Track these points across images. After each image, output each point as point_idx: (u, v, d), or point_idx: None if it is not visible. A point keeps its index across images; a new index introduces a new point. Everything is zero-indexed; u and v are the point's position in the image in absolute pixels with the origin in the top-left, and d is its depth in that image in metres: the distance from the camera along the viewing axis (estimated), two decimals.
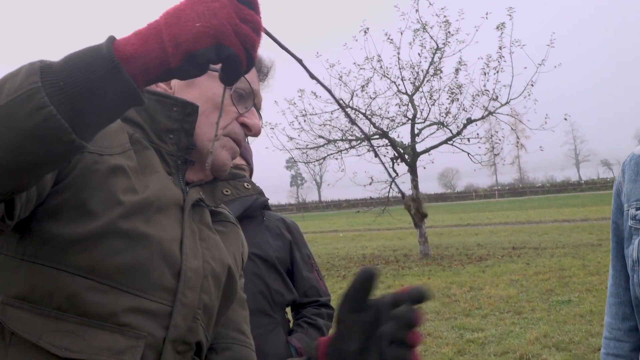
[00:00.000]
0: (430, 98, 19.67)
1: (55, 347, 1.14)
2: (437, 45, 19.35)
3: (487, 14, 18.55)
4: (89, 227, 1.19)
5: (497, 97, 19.04)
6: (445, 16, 19.13)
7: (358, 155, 20.68)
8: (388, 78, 19.74)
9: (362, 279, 1.13)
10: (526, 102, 19.18)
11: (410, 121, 19.71)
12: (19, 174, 0.99)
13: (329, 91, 1.24)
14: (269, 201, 3.47)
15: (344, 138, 20.28)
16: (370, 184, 20.01)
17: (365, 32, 19.54)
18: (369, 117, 19.61)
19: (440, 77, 19.66)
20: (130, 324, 1.21)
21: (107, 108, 0.99)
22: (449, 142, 19.66)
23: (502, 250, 18.59)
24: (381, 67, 19.67)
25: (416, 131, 19.76)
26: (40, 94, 0.94)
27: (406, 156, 19.33)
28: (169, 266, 1.29)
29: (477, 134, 19.72)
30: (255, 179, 3.38)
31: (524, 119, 19.54)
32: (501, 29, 18.74)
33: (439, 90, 19.67)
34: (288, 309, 3.37)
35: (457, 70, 19.51)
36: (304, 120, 20.46)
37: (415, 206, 1.24)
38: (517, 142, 21.39)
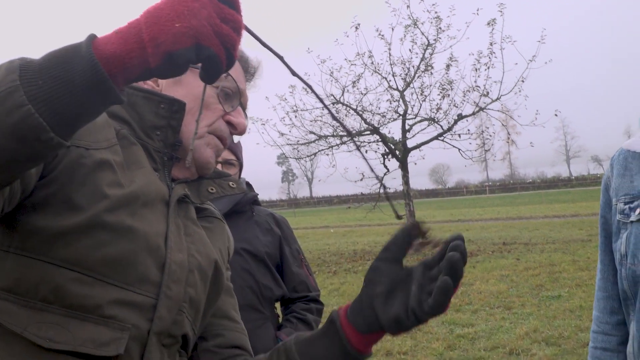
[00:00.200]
0: (421, 94, 19.70)
1: (39, 338, 1.15)
2: (428, 41, 19.38)
3: (478, 10, 18.57)
4: (75, 220, 1.20)
5: (487, 93, 19.09)
6: (436, 12, 19.17)
7: (349, 151, 20.72)
8: (379, 74, 19.77)
9: (403, 232, 1.25)
10: (517, 98, 19.25)
11: (401, 117, 19.73)
12: None
13: (310, 87, 1.25)
14: (259, 197, 3.47)
15: (335, 134, 20.27)
16: (362, 179, 20.01)
17: (356, 27, 19.55)
18: (360, 113, 19.62)
19: (431, 73, 19.70)
20: (115, 316, 1.22)
21: (85, 107, 0.99)
22: (439, 138, 19.69)
23: (492, 245, 18.63)
24: (372, 63, 19.70)
25: (407, 127, 19.79)
26: (18, 92, 0.94)
27: (397, 152, 19.35)
28: (154, 259, 1.30)
29: (468, 130, 19.77)
30: (246, 174, 3.38)
31: (514, 115, 19.64)
32: (492, 25, 18.78)
33: (430, 86, 19.71)
34: (277, 304, 3.37)
35: (448, 66, 19.54)
36: (295, 116, 20.47)
37: (421, 233, 1.23)
38: (508, 138, 21.42)
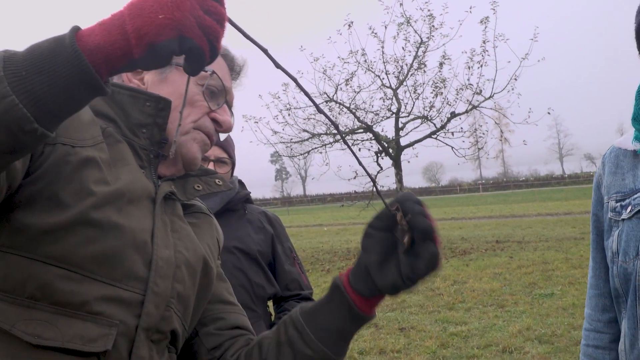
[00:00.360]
0: (414, 92, 19.73)
1: (27, 335, 1.16)
2: (421, 39, 19.41)
3: (471, 8, 18.60)
4: (61, 217, 1.20)
5: (480, 91, 19.12)
6: (429, 10, 19.21)
7: (342, 149, 20.71)
8: (372, 72, 19.79)
9: (397, 199, 1.29)
10: (510, 96, 19.34)
11: (394, 115, 19.75)
12: None
13: (295, 80, 1.26)
14: (253, 195, 3.47)
15: (328, 132, 20.27)
16: (355, 177, 20.01)
17: (349, 25, 19.55)
18: (354, 111, 19.63)
19: (424, 71, 19.72)
20: (103, 312, 1.22)
21: (69, 98, 0.99)
22: (433, 136, 19.72)
23: (485, 244, 18.66)
24: (365, 61, 19.71)
25: (400, 125, 19.81)
26: (2, 83, 0.94)
27: (390, 150, 19.36)
28: (141, 256, 1.31)
29: (461, 128, 19.79)
30: (239, 172, 3.38)
31: (507, 113, 19.65)
32: (485, 23, 18.82)
33: (423, 84, 19.74)
34: (270, 303, 3.37)
35: (441, 64, 19.57)
36: (288, 114, 20.48)
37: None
38: (501, 136, 21.45)
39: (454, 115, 19.37)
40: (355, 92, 19.83)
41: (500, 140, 21.66)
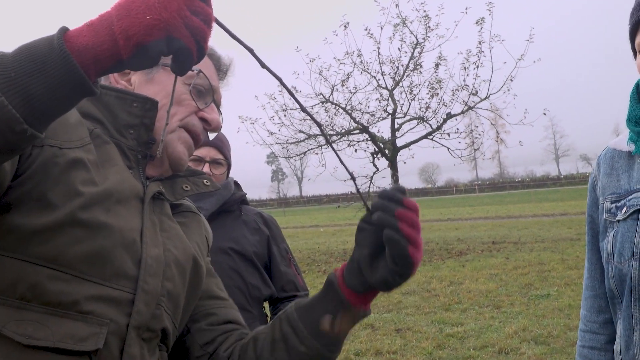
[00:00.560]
0: (410, 93, 19.72)
1: (18, 335, 1.16)
2: (417, 40, 19.40)
3: (466, 9, 18.61)
4: (50, 218, 1.21)
5: (476, 92, 19.13)
6: (425, 11, 19.20)
7: (338, 150, 20.69)
8: (368, 73, 19.78)
9: (388, 193, 1.27)
10: (506, 97, 19.28)
11: (390, 116, 19.74)
12: None
13: (280, 80, 1.28)
14: (249, 196, 3.46)
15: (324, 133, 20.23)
16: (354, 179, 19.93)
17: (345, 26, 19.54)
18: (350, 111, 19.63)
19: (420, 72, 19.72)
20: (93, 311, 1.23)
21: (59, 99, 1.00)
22: (429, 137, 19.71)
23: (482, 244, 18.67)
24: (361, 61, 19.69)
25: (396, 126, 19.81)
26: None
27: (386, 151, 19.36)
28: (130, 255, 1.32)
29: (457, 129, 19.78)
30: (235, 174, 3.38)
31: (503, 114, 19.65)
32: (481, 24, 18.82)
33: (419, 85, 19.73)
34: (266, 304, 3.36)
35: (437, 65, 19.56)
36: (285, 115, 20.45)
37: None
38: (497, 137, 21.43)
39: (450, 116, 19.37)
40: (351, 93, 19.82)
41: (496, 141, 21.65)
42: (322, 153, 20.77)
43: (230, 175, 3.36)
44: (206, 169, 3.16)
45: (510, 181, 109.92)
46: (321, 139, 20.53)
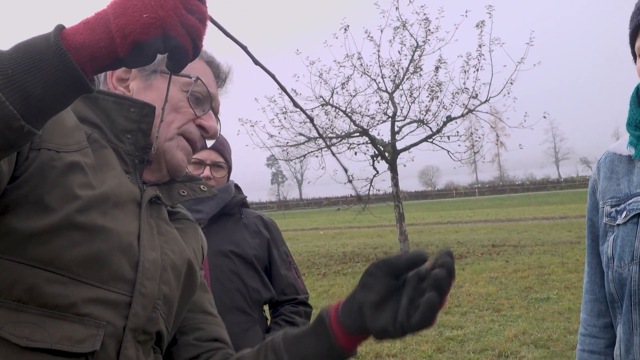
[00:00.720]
0: (410, 96, 19.70)
1: (15, 337, 1.16)
2: (417, 43, 19.39)
3: (466, 12, 18.59)
4: (47, 221, 1.21)
5: (476, 95, 19.11)
6: (425, 14, 19.18)
7: (338, 153, 20.68)
8: (368, 76, 19.75)
9: (412, 256, 1.24)
10: (506, 100, 19.25)
11: (390, 119, 19.73)
12: None
13: (274, 77, 1.29)
14: (249, 199, 3.47)
15: (324, 136, 20.25)
16: (351, 181, 19.93)
17: (345, 29, 19.54)
18: (350, 114, 19.62)
19: (420, 75, 19.69)
20: (90, 313, 1.23)
21: (56, 96, 1.01)
22: (429, 140, 19.69)
23: (481, 247, 18.67)
24: (361, 64, 19.68)
25: (396, 129, 19.78)
26: None
27: (386, 154, 19.34)
28: (127, 258, 1.32)
29: (457, 132, 19.76)
30: (235, 176, 3.38)
31: (503, 117, 19.64)
32: (481, 27, 18.81)
33: (419, 88, 19.70)
34: (266, 307, 3.36)
35: (437, 68, 19.54)
36: (284, 118, 20.42)
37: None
38: (497, 140, 21.42)
39: (450, 119, 19.36)
40: (351, 95, 19.81)
41: (496, 144, 21.65)
42: (322, 156, 20.77)
43: (231, 178, 3.37)
44: (207, 172, 3.16)
45: (510, 184, 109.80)
46: (321, 142, 20.53)
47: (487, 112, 19.72)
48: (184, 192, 1.58)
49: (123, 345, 1.29)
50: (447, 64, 19.52)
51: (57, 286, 1.20)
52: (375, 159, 19.29)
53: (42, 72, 0.98)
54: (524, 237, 20.97)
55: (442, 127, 19.40)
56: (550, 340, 7.61)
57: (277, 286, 3.29)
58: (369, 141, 19.37)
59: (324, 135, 20.07)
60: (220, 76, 1.64)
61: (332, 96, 19.64)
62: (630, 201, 1.90)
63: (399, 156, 19.67)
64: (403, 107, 19.79)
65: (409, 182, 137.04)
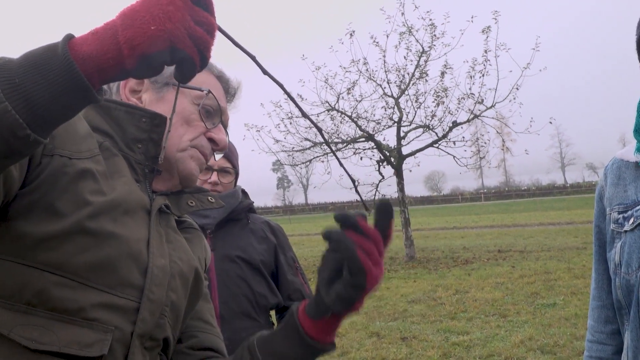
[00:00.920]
0: (416, 101, 19.72)
1: (25, 340, 1.17)
2: (422, 48, 19.41)
3: (472, 17, 18.64)
4: (58, 226, 1.22)
5: (482, 100, 19.12)
6: (431, 19, 19.22)
7: (344, 158, 20.68)
8: (374, 81, 19.79)
9: (343, 219, 1.23)
10: (511, 106, 19.29)
11: (396, 124, 19.74)
12: None
13: (281, 86, 1.29)
14: (255, 204, 3.48)
15: (330, 141, 20.26)
16: (357, 186, 19.92)
17: (351, 35, 19.57)
18: (355, 120, 19.64)
19: (426, 80, 19.72)
20: (99, 318, 1.24)
21: (62, 106, 1.01)
22: (434, 145, 19.71)
23: (487, 253, 18.64)
24: (367, 70, 19.71)
25: (402, 134, 19.80)
26: None
27: (392, 159, 19.35)
28: (137, 264, 1.33)
29: (463, 137, 19.78)
30: (241, 181, 3.39)
31: (509, 122, 19.64)
32: (487, 32, 18.83)
33: (425, 93, 19.73)
34: (272, 313, 3.37)
35: (442, 73, 19.57)
36: (290, 123, 20.47)
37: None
38: (503, 146, 21.43)
39: (455, 124, 19.37)
40: (357, 101, 19.84)
41: (502, 149, 21.65)
42: (327, 161, 20.81)
43: (237, 183, 3.38)
44: (214, 177, 3.18)
45: (516, 189, 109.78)
46: (326, 147, 20.53)
47: (493, 118, 19.74)
48: (192, 202, 1.59)
49: (130, 350, 1.30)
50: (452, 69, 19.57)
51: (66, 290, 1.21)
52: (381, 164, 19.31)
53: (49, 82, 0.98)
54: (530, 242, 20.93)
55: (447, 133, 19.41)
56: (557, 346, 7.59)
57: (284, 291, 3.30)
58: (375, 146, 19.39)
59: (330, 141, 20.07)
60: (229, 91, 1.66)
61: (337, 101, 19.69)
62: (637, 208, 1.90)
63: (404, 161, 19.69)
64: (409, 113, 19.82)
65: (415, 187, 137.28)
